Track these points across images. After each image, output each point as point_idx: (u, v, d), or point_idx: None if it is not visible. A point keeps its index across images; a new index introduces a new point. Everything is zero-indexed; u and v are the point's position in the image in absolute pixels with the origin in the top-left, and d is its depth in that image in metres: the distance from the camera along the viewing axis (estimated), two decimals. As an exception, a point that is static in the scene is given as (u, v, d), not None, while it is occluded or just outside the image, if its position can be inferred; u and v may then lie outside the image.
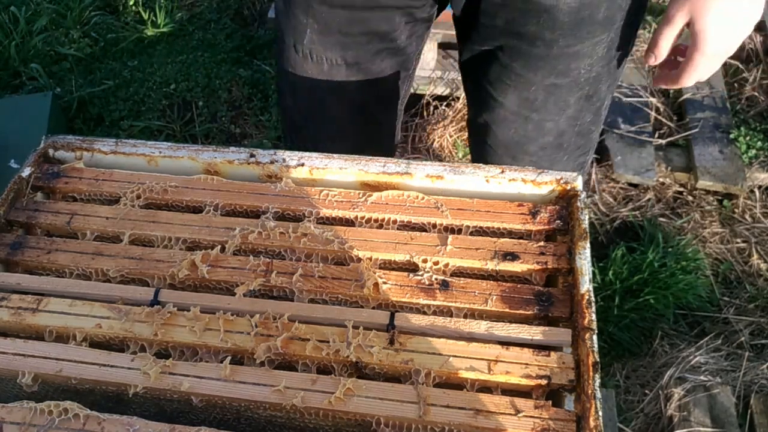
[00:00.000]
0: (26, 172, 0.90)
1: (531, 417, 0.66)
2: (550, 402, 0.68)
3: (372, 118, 1.16)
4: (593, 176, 2.10)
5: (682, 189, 2.10)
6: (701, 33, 0.83)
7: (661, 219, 2.01)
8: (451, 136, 2.21)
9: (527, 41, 0.95)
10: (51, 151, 0.94)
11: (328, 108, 1.11)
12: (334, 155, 0.90)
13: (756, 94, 2.29)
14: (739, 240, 1.95)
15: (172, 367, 0.71)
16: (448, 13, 1.06)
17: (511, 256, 0.80)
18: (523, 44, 0.95)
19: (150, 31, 2.60)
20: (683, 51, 0.93)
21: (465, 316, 0.77)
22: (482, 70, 1.04)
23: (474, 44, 1.03)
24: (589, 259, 0.78)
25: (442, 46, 2.15)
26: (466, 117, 2.22)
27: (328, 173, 0.90)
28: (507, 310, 0.76)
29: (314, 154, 0.91)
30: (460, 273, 0.81)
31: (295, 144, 1.23)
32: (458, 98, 2.22)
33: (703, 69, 0.88)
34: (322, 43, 1.01)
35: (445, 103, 2.26)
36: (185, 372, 0.71)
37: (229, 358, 0.72)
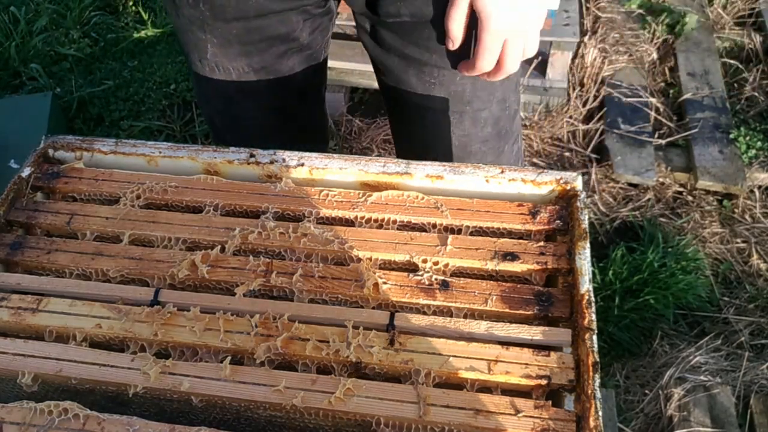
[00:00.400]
0: (26, 172, 0.90)
1: (531, 417, 0.66)
2: (550, 402, 0.68)
3: (292, 116, 1.16)
4: (593, 176, 2.10)
5: (682, 189, 2.10)
6: (482, 11, 0.82)
7: (661, 219, 2.01)
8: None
9: (439, 29, 0.92)
10: (51, 151, 0.94)
11: (246, 113, 1.11)
12: (334, 155, 0.90)
13: (756, 94, 2.29)
14: (739, 240, 1.95)
15: (172, 367, 0.71)
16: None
17: (511, 256, 0.80)
18: (435, 32, 0.93)
19: (150, 31, 2.60)
20: None
21: (465, 316, 0.77)
22: (402, 78, 1.01)
23: (384, 48, 1.00)
24: (588, 259, 0.78)
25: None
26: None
27: (327, 173, 0.90)
28: (507, 310, 0.76)
29: (314, 154, 0.91)
30: (460, 273, 0.81)
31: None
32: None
33: (493, 48, 0.86)
34: (226, 55, 1.01)
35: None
36: (185, 372, 0.71)
37: (229, 358, 0.72)
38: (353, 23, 1.05)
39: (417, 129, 1.07)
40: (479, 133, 1.05)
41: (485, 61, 0.87)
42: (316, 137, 1.26)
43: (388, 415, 0.67)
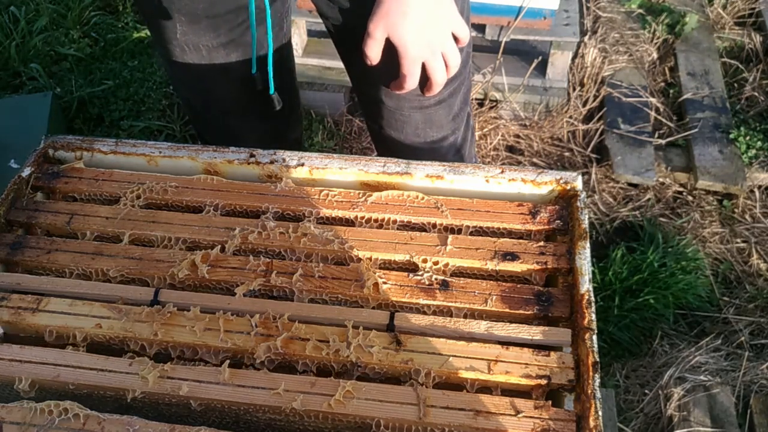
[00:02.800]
0: (26, 172, 0.90)
1: (531, 417, 0.66)
2: (550, 402, 0.68)
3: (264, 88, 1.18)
4: (593, 176, 2.10)
5: (681, 189, 2.10)
6: (400, 44, 0.90)
7: (661, 219, 2.01)
8: (451, 136, 2.21)
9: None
10: (51, 151, 0.94)
11: (220, 90, 1.14)
12: (334, 155, 0.90)
13: (756, 94, 2.29)
14: (739, 240, 1.95)
15: (171, 371, 0.71)
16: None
17: (511, 256, 0.80)
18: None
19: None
20: None
21: (465, 316, 0.77)
22: (355, 28, 1.03)
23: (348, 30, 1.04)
24: (588, 259, 0.78)
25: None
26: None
27: (327, 173, 0.90)
28: (507, 310, 0.76)
29: (314, 154, 0.91)
30: (460, 273, 0.81)
31: (206, 132, 1.27)
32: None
33: (414, 71, 0.93)
34: (194, 32, 1.04)
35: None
36: (184, 376, 0.71)
37: (228, 361, 0.72)
38: None
39: (393, 136, 1.12)
40: (451, 113, 1.12)
41: (411, 83, 0.95)
42: (292, 112, 1.30)
43: (388, 417, 0.67)
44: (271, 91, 1.06)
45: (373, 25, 0.91)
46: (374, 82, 1.11)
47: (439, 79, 0.95)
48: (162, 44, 1.09)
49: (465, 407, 0.68)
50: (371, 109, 1.17)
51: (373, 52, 0.93)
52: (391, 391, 0.69)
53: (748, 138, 2.15)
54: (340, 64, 2.18)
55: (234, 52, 1.09)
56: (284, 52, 1.19)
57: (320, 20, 1.13)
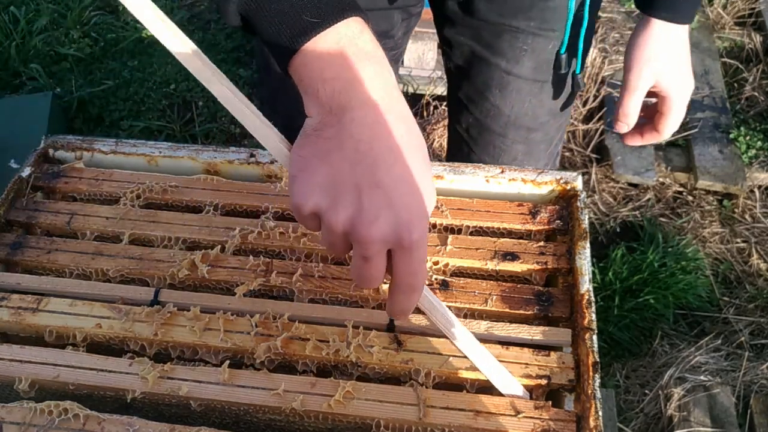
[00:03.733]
0: (26, 172, 0.91)
1: (531, 418, 0.66)
2: (550, 402, 0.68)
3: None
4: (593, 176, 2.10)
5: (682, 189, 2.10)
6: (670, 92, 0.93)
7: (661, 219, 2.01)
8: (451, 136, 2.21)
9: None
10: (51, 151, 0.94)
11: None
12: (334, 155, 0.90)
13: (756, 94, 2.29)
14: (739, 240, 1.95)
15: (171, 372, 0.71)
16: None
17: (511, 256, 0.80)
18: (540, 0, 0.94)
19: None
20: (646, 108, 1.01)
21: (465, 316, 0.77)
22: (490, 46, 1.00)
23: (476, 17, 0.99)
24: (588, 259, 0.78)
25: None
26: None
27: (328, 173, 0.89)
28: (507, 310, 0.76)
29: (314, 154, 0.91)
30: (460, 273, 0.81)
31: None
32: (458, 98, 2.22)
33: (679, 118, 0.97)
34: None
35: (445, 103, 2.26)
36: (183, 376, 0.71)
37: (228, 362, 0.72)
38: (444, 27, 1.04)
39: (494, 97, 1.05)
40: (552, 105, 1.06)
41: (669, 134, 0.99)
42: None
43: (388, 417, 0.67)
44: (578, 70, 1.01)
45: (636, 77, 0.92)
46: (487, 109, 1.06)
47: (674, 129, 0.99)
48: None
49: (465, 407, 0.67)
50: (468, 132, 1.11)
51: (635, 110, 0.96)
52: (391, 391, 0.69)
53: (748, 138, 2.15)
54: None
55: None
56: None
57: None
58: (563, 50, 0.96)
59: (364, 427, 0.68)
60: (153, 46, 2.56)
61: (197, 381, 0.70)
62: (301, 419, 0.69)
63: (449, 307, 0.77)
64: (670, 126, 0.98)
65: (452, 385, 0.72)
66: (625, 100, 0.96)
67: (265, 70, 1.10)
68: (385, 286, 0.78)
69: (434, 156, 2.19)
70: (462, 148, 1.15)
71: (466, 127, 1.12)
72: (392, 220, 0.51)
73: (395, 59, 1.09)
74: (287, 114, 1.14)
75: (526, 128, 1.06)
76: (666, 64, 0.93)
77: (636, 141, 1.02)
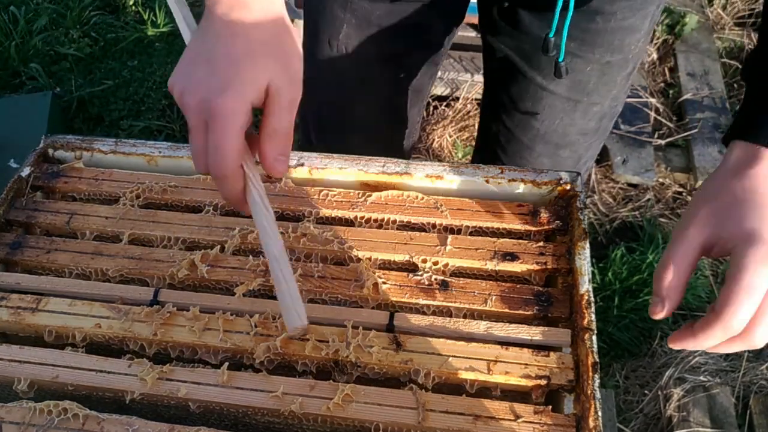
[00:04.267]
0: (26, 171, 0.90)
1: (530, 422, 0.66)
2: (550, 407, 0.68)
3: (399, 113, 1.14)
4: (593, 176, 2.10)
5: (681, 189, 2.10)
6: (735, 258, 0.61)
7: (661, 219, 2.01)
8: (450, 136, 2.21)
9: (586, 17, 0.90)
10: (50, 151, 0.94)
11: (358, 102, 1.09)
12: (334, 155, 0.90)
13: (756, 94, 2.29)
14: (738, 240, 1.95)
15: (170, 373, 0.71)
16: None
17: (510, 256, 0.80)
18: (582, 21, 0.91)
19: (150, 31, 2.60)
20: None
21: (464, 316, 0.77)
22: (528, 58, 0.99)
23: (518, 30, 0.97)
24: (588, 259, 0.78)
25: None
26: (471, 120, 2.22)
27: (327, 173, 0.90)
28: (506, 310, 0.76)
29: (314, 154, 0.91)
30: (459, 273, 0.81)
31: (322, 141, 1.19)
32: (458, 98, 2.23)
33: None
34: (359, 38, 1.00)
35: (444, 103, 2.26)
36: (182, 378, 0.71)
37: (227, 363, 0.72)
38: (487, 32, 1.03)
39: (526, 109, 1.03)
40: (585, 124, 1.04)
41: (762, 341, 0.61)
42: (412, 141, 1.23)
43: (387, 420, 0.67)
44: (561, 58, 0.92)
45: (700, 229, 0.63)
46: (518, 120, 1.03)
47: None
48: (317, 41, 1.03)
49: (464, 411, 0.67)
50: (497, 138, 1.10)
51: (745, 314, 0.58)
52: (390, 394, 0.69)
53: (747, 138, 2.14)
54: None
55: (388, 68, 1.04)
56: (427, 87, 1.14)
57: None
58: (551, 34, 0.91)
59: (363, 430, 0.68)
60: (153, 46, 2.56)
61: (196, 382, 0.70)
62: (300, 422, 0.69)
63: (449, 307, 0.77)
64: (757, 336, 0.60)
65: (452, 386, 0.72)
66: (662, 274, 0.64)
67: None
68: (385, 286, 0.78)
69: (434, 156, 2.19)
70: (490, 149, 1.14)
71: (495, 131, 1.11)
72: (205, 88, 0.59)
73: (433, 62, 1.07)
74: (315, 110, 1.15)
75: (554, 144, 1.05)
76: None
77: (688, 343, 0.63)
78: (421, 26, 1.00)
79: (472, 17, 1.10)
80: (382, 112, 1.12)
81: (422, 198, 0.86)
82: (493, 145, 1.13)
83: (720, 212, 0.63)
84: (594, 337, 0.71)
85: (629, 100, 2.24)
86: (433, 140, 2.20)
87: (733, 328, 0.58)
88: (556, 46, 0.90)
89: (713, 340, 0.60)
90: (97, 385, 0.71)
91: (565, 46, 0.90)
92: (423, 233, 0.84)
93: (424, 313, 0.77)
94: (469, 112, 2.23)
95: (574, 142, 1.05)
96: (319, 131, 1.20)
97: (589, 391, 0.67)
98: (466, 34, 2.12)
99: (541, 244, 0.81)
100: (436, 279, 0.78)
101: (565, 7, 0.87)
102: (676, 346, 0.65)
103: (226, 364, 0.72)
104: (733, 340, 0.60)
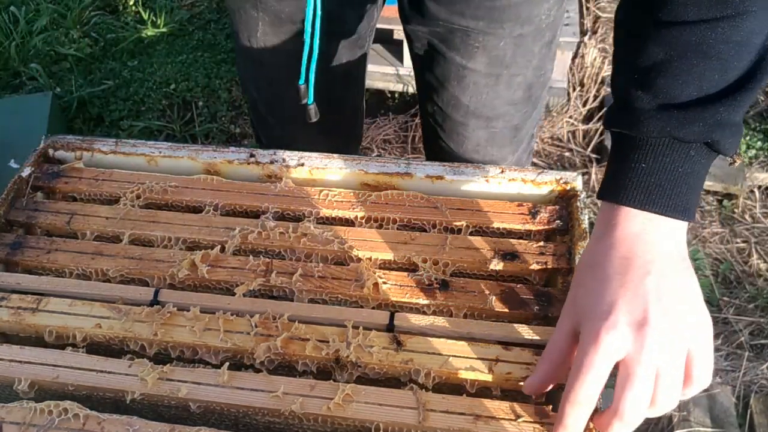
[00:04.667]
0: (26, 172, 0.90)
1: (531, 422, 0.66)
2: (550, 407, 0.68)
3: (334, 101, 1.16)
4: (593, 176, 2.10)
5: (682, 189, 2.10)
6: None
7: (661, 219, 2.01)
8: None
9: None
10: (51, 151, 0.94)
11: (290, 96, 1.12)
12: (334, 155, 0.90)
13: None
14: (739, 240, 1.95)
15: (170, 373, 0.71)
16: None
17: (510, 256, 0.80)
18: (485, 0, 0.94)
19: (150, 31, 2.60)
20: None
21: (465, 316, 0.77)
22: (444, 40, 1.02)
23: (428, 17, 1.01)
24: (588, 259, 0.78)
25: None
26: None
27: (327, 173, 0.90)
28: (507, 309, 0.76)
29: (314, 154, 0.91)
30: (459, 273, 0.81)
31: (264, 136, 1.25)
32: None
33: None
34: (276, 34, 1.03)
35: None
36: (183, 378, 0.71)
37: (227, 363, 0.72)
38: (404, 21, 1.06)
39: (453, 88, 1.07)
40: (511, 95, 1.06)
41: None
42: (354, 130, 1.28)
43: (388, 420, 0.67)
44: (310, 101, 0.99)
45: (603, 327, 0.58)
46: (448, 98, 1.08)
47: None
48: (241, 40, 1.07)
49: (465, 411, 0.67)
50: (434, 118, 1.14)
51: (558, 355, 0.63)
52: (390, 394, 0.69)
53: (748, 138, 2.14)
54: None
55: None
56: (359, 70, 1.17)
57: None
58: (301, 81, 0.97)
59: (363, 430, 0.68)
60: (153, 46, 2.56)
61: (196, 383, 0.70)
62: (301, 422, 0.69)
63: (449, 307, 0.77)
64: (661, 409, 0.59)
65: (452, 385, 0.72)
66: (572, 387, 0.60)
67: (239, 52, 1.13)
68: (385, 286, 0.78)
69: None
70: (431, 128, 1.18)
71: (431, 113, 1.15)
72: None
73: (357, 45, 1.10)
74: (252, 99, 1.18)
75: (486, 117, 1.08)
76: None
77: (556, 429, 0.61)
78: (332, 18, 1.02)
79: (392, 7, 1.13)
80: (316, 102, 1.14)
81: (422, 198, 0.86)
82: (432, 125, 1.17)
83: (574, 294, 0.64)
84: (594, 337, 0.71)
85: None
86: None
87: (581, 403, 0.58)
88: (306, 91, 0.96)
89: (573, 422, 0.59)
90: (98, 385, 0.70)
91: (474, 29, 0.95)
92: (423, 233, 0.84)
93: (424, 313, 0.77)
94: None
95: (505, 113, 1.08)
96: (261, 128, 1.24)
97: (589, 391, 0.67)
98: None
99: (541, 243, 0.81)
100: (436, 279, 0.78)
101: (309, 56, 0.92)
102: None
103: (227, 364, 0.72)
104: (608, 419, 0.58)
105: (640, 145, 0.60)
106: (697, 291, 0.60)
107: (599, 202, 0.64)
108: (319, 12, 0.90)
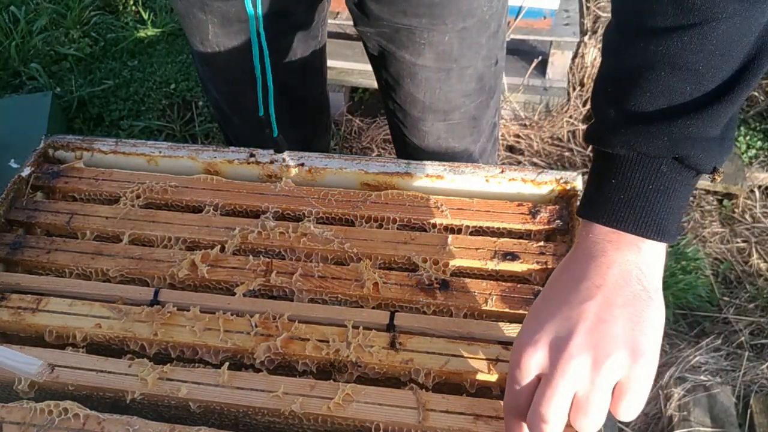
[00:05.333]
0: (26, 171, 0.90)
1: (531, 417, 0.66)
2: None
3: (294, 94, 1.18)
4: (593, 176, 2.10)
5: (682, 189, 2.10)
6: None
7: (661, 219, 2.01)
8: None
9: None
10: (51, 151, 0.94)
11: (249, 95, 1.13)
12: (334, 155, 0.90)
13: (756, 93, 2.29)
14: (739, 240, 1.95)
15: (170, 373, 0.71)
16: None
17: (511, 256, 0.80)
18: None
19: (150, 31, 2.60)
20: None
21: (465, 316, 0.77)
22: (392, 40, 1.04)
23: (372, 18, 1.03)
24: (588, 258, 0.78)
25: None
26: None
27: (327, 173, 0.90)
28: (507, 310, 0.76)
29: (314, 154, 0.91)
30: (460, 273, 0.81)
31: (232, 135, 1.26)
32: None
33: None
34: (226, 35, 1.03)
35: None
36: (183, 378, 0.71)
37: (228, 363, 0.72)
38: (353, 23, 1.07)
39: (407, 86, 1.09)
40: (464, 87, 1.08)
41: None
42: (320, 121, 1.29)
43: (388, 420, 0.67)
44: (275, 134, 0.99)
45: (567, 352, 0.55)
46: (404, 96, 1.10)
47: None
48: (194, 44, 1.08)
49: (465, 411, 0.67)
50: (396, 115, 1.16)
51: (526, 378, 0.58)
52: (390, 394, 0.69)
53: (748, 138, 2.14)
54: (340, 64, 2.18)
55: (267, 56, 1.08)
56: (317, 61, 1.18)
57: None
58: (261, 112, 0.98)
59: (363, 430, 0.68)
60: (153, 46, 2.56)
61: (196, 382, 0.70)
62: (300, 422, 0.69)
63: (449, 307, 0.77)
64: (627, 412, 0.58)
65: (452, 385, 0.72)
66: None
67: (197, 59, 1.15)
68: (386, 286, 0.78)
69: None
70: (394, 125, 1.19)
71: (393, 110, 1.16)
72: None
73: (310, 36, 1.11)
74: (214, 100, 1.20)
75: (442, 111, 1.09)
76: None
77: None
78: (283, 11, 1.03)
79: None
80: (275, 97, 1.15)
81: (422, 198, 0.86)
82: (395, 122, 1.18)
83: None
84: (594, 337, 0.71)
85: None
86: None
87: (506, 410, 0.60)
88: (269, 122, 0.96)
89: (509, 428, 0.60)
90: (98, 385, 0.70)
91: (417, 27, 0.96)
92: (423, 233, 0.84)
93: (424, 313, 0.77)
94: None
95: (461, 105, 1.09)
96: (228, 128, 1.25)
97: (589, 391, 0.67)
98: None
99: (541, 243, 0.81)
100: (436, 279, 0.78)
101: (265, 88, 0.94)
102: None
103: (227, 363, 0.72)
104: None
105: (611, 160, 0.58)
106: (652, 324, 0.55)
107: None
108: (264, 45, 0.91)
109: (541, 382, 0.56)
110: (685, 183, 0.57)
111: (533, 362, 0.56)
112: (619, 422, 1.54)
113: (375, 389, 0.69)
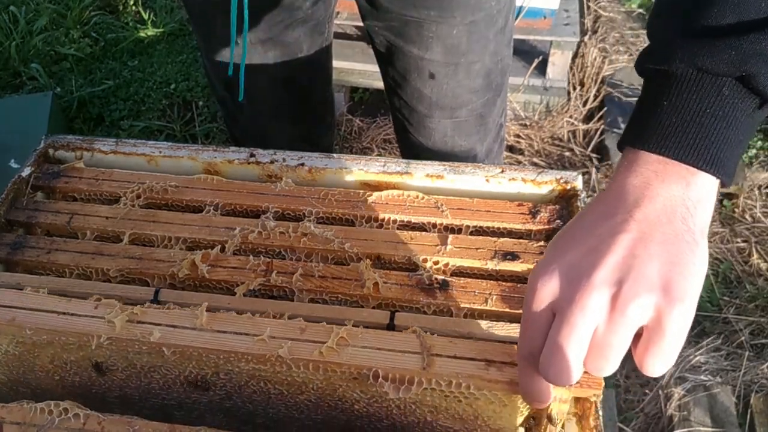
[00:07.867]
0: (26, 171, 0.91)
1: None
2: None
3: (301, 89, 1.19)
4: (593, 176, 2.10)
5: (682, 189, 2.10)
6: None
7: (661, 219, 2.01)
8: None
9: None
10: (51, 151, 0.94)
11: (256, 89, 1.12)
12: (334, 155, 0.90)
13: (756, 93, 2.29)
14: (739, 240, 1.95)
15: (141, 315, 0.65)
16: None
17: (511, 256, 0.80)
18: None
19: (150, 31, 2.60)
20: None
21: (465, 316, 0.77)
22: (400, 34, 1.04)
23: (382, 11, 1.03)
24: (589, 258, 0.78)
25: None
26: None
27: (327, 173, 0.90)
28: (507, 309, 0.76)
29: (314, 154, 0.91)
30: (460, 273, 0.81)
31: (237, 132, 1.27)
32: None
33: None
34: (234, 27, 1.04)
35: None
36: (156, 320, 0.64)
37: (206, 303, 0.64)
38: (353, 23, 1.08)
39: (414, 81, 1.09)
40: (471, 83, 1.08)
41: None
42: (325, 118, 1.29)
43: (387, 366, 0.60)
44: (240, 97, 0.99)
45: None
46: (411, 92, 1.10)
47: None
48: (202, 38, 1.09)
49: (475, 356, 0.60)
50: (401, 113, 1.16)
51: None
52: (391, 337, 0.62)
53: (748, 138, 2.14)
54: (340, 64, 2.18)
55: (271, 50, 1.08)
56: (323, 57, 1.18)
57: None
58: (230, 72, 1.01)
59: (360, 378, 0.61)
60: (153, 46, 2.56)
61: (171, 325, 0.64)
62: (289, 369, 0.62)
63: (450, 307, 0.77)
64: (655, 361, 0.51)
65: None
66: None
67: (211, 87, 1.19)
68: (386, 286, 0.78)
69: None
70: (400, 123, 1.19)
71: (399, 107, 1.17)
72: None
73: (317, 31, 1.12)
74: (221, 97, 1.21)
75: (449, 108, 1.10)
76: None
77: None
78: (290, 5, 1.04)
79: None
80: (281, 93, 1.16)
81: (422, 197, 0.86)
82: (401, 120, 1.18)
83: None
84: (594, 337, 0.71)
85: (630, 99, 2.24)
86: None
87: (525, 356, 0.54)
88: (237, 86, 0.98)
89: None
90: (59, 328, 0.64)
91: (426, 19, 0.97)
92: (423, 233, 0.84)
93: (424, 313, 0.77)
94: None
95: (468, 102, 1.10)
96: (232, 124, 1.27)
97: (589, 391, 0.67)
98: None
99: (541, 243, 0.81)
100: (436, 278, 0.78)
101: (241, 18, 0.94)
102: None
103: (205, 303, 0.65)
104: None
105: (666, 82, 0.51)
106: (694, 270, 0.48)
107: None
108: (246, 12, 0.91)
109: (557, 316, 0.50)
110: (748, 113, 0.50)
111: (548, 292, 0.51)
112: (620, 422, 1.54)
113: (374, 332, 0.62)
